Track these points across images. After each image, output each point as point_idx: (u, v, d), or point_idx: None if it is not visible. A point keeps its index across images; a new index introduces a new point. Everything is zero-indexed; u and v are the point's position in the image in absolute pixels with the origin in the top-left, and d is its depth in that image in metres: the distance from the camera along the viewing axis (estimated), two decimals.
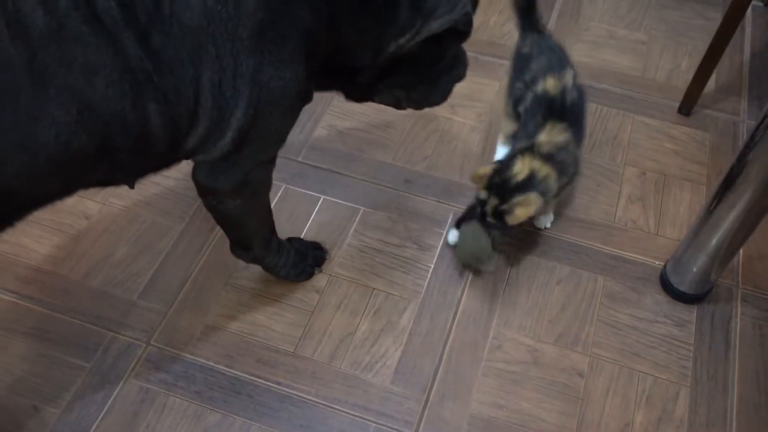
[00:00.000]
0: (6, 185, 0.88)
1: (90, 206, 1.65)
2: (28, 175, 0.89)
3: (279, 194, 1.67)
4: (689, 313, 1.51)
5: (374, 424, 1.33)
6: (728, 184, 1.29)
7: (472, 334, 1.45)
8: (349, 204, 1.66)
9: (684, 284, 1.50)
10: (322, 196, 1.68)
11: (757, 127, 1.18)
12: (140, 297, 1.49)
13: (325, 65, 1.12)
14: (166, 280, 1.52)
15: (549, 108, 1.46)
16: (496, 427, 1.33)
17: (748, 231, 1.36)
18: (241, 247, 1.39)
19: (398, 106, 1.35)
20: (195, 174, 1.16)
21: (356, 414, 1.34)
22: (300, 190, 1.69)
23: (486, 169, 1.41)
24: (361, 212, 1.64)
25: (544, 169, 1.38)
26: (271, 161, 1.22)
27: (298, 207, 1.65)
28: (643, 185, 1.73)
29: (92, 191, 1.62)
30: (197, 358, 1.41)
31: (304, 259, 1.52)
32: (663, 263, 1.56)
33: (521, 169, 1.38)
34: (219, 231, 1.58)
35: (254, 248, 1.39)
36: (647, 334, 1.47)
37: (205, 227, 1.61)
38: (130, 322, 1.45)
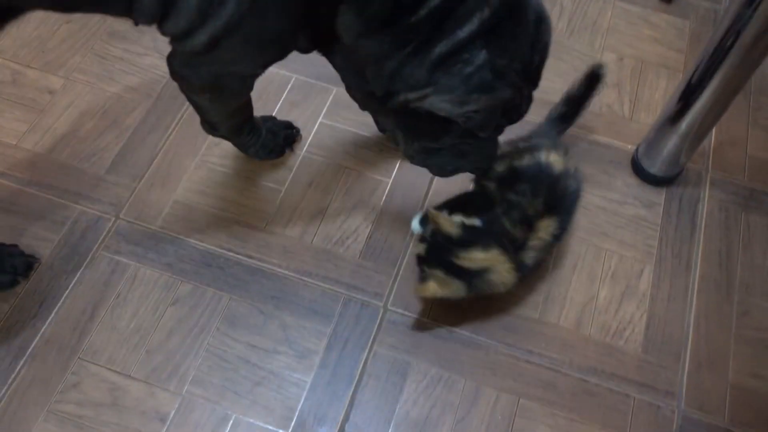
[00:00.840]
0: None
1: (53, 81, 1.59)
2: None
3: None
4: (658, 196, 1.52)
5: (345, 295, 1.35)
6: (705, 64, 1.28)
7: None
8: (322, 83, 1.62)
9: (654, 167, 1.51)
10: (294, 75, 1.64)
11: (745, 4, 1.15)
12: (108, 172, 1.47)
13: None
14: (134, 155, 1.49)
15: (550, 190, 1.26)
16: None
17: (720, 111, 1.36)
18: (209, 126, 1.36)
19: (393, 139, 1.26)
20: (169, 57, 1.13)
21: (327, 286, 1.36)
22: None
23: None
24: (334, 92, 1.61)
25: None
26: (248, 78, 1.18)
27: (269, 86, 1.61)
28: (620, 71, 1.72)
29: (56, 66, 1.57)
30: (167, 232, 1.40)
31: (275, 138, 1.49)
32: (635, 147, 1.56)
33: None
34: (188, 109, 1.55)
35: (220, 131, 1.37)
36: (616, 215, 1.49)
37: (174, 105, 1.57)
38: (98, 196, 1.43)
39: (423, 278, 1.25)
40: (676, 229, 1.48)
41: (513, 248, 1.22)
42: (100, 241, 1.38)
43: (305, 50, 1.15)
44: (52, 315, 1.30)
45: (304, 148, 1.53)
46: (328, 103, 1.60)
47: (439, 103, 1.01)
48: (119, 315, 1.30)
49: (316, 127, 1.57)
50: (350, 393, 1.25)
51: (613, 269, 1.42)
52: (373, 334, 1.31)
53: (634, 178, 1.54)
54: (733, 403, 1.28)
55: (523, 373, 1.29)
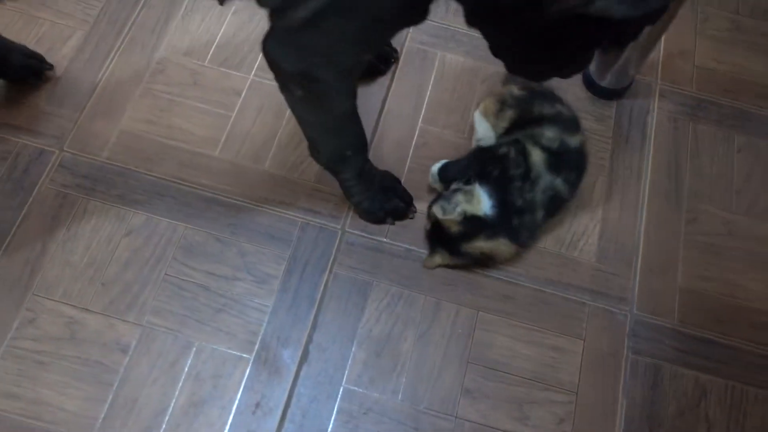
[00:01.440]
0: None
1: None
2: None
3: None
4: (609, 109, 1.54)
5: (302, 219, 1.34)
6: None
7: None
8: None
9: (605, 80, 1.51)
10: None
11: None
12: (48, 103, 1.41)
13: None
14: (74, 85, 1.43)
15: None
16: None
17: (667, 19, 1.36)
18: (312, 146, 1.24)
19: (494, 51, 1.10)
20: (264, 40, 1.01)
21: (284, 211, 1.35)
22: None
23: None
24: None
25: None
26: (348, 70, 1.05)
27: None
28: None
29: None
30: (115, 163, 1.36)
31: (384, 201, 1.33)
32: None
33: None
34: (128, 34, 1.49)
35: (325, 156, 1.24)
36: None
37: (112, 31, 1.50)
38: (40, 128, 1.38)
39: (430, 252, 1.31)
40: (627, 141, 1.50)
41: (518, 219, 1.27)
42: (45, 174, 1.33)
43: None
44: (1, 252, 1.26)
45: (253, 72, 1.49)
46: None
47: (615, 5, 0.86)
48: (71, 249, 1.27)
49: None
50: (312, 315, 1.26)
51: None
52: (332, 256, 1.31)
53: (585, 92, 1.55)
54: (683, 305, 1.33)
55: (482, 287, 1.31)
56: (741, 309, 1.35)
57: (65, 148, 1.36)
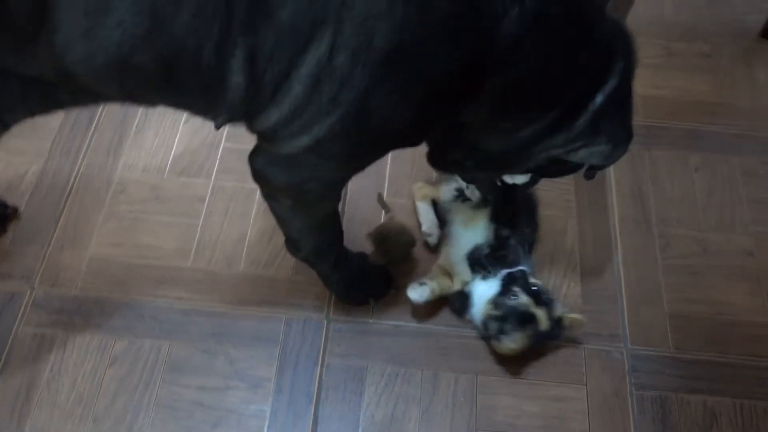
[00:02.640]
0: (69, 70, 0.82)
1: None
2: (87, 69, 0.82)
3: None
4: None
5: (285, 315, 1.33)
6: None
7: None
8: None
9: None
10: None
11: None
12: (13, 243, 1.39)
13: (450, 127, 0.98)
14: (37, 221, 1.42)
15: None
16: None
17: None
18: (291, 244, 1.25)
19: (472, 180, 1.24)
20: (251, 156, 1.02)
21: (266, 310, 1.33)
22: None
23: None
24: None
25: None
26: (339, 182, 1.08)
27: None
28: None
29: None
30: (89, 292, 1.34)
31: (362, 282, 1.34)
32: None
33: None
34: (83, 161, 1.50)
35: (304, 251, 1.25)
36: None
37: (67, 161, 1.50)
38: (7, 271, 1.36)
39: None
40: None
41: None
42: (19, 318, 1.31)
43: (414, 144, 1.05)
44: None
45: (213, 176, 1.50)
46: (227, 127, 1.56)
47: (588, 156, 1.00)
48: (57, 389, 1.24)
49: (220, 152, 1.53)
50: (312, 411, 1.24)
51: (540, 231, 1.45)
52: (322, 347, 1.30)
53: None
54: (675, 331, 1.34)
55: (476, 351, 1.30)
56: (731, 325, 1.36)
57: (36, 286, 1.34)
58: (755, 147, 1.60)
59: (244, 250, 1.40)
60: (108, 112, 1.58)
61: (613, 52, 0.94)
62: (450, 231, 1.37)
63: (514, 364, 1.29)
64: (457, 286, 1.31)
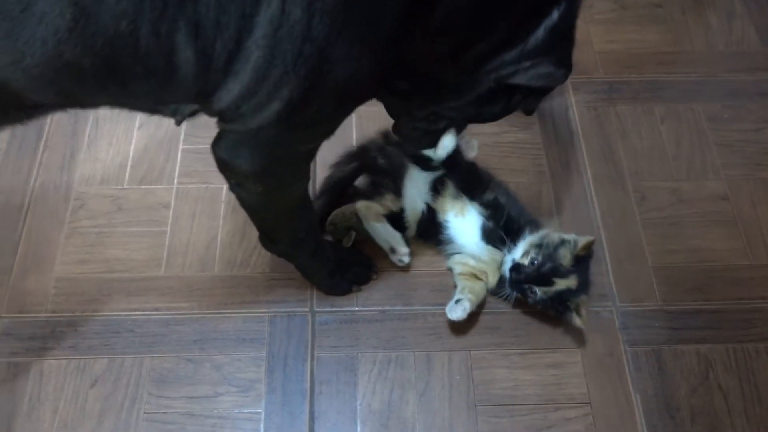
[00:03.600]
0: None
1: None
2: (18, 75, 0.76)
3: None
4: (531, 116, 1.55)
5: (268, 313, 1.29)
6: None
7: None
8: None
9: None
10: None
11: None
12: None
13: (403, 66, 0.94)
14: None
15: None
16: None
17: None
18: (266, 237, 1.21)
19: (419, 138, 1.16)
20: (215, 144, 0.96)
21: (247, 310, 1.29)
22: None
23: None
24: None
25: None
26: (308, 155, 1.04)
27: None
28: None
29: None
30: (60, 314, 1.28)
31: (343, 271, 1.30)
32: None
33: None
34: (37, 180, 1.43)
35: (280, 244, 1.22)
36: (498, 146, 1.50)
37: (18, 181, 1.43)
38: None
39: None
40: (557, 141, 1.52)
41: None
42: None
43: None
44: None
45: (176, 180, 1.44)
46: (183, 128, 1.51)
47: (536, 78, 0.97)
48: (39, 417, 1.19)
49: (180, 154, 1.48)
50: (307, 407, 1.21)
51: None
52: (309, 341, 1.27)
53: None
54: (660, 283, 1.33)
55: (465, 327, 1.28)
56: (713, 271, 1.36)
57: (2, 315, 1.28)
58: (716, 92, 1.61)
59: (217, 251, 1.36)
60: (56, 127, 1.51)
61: None
62: (450, 233, 1.30)
63: (505, 335, 1.27)
64: (494, 278, 1.27)
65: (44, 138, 1.49)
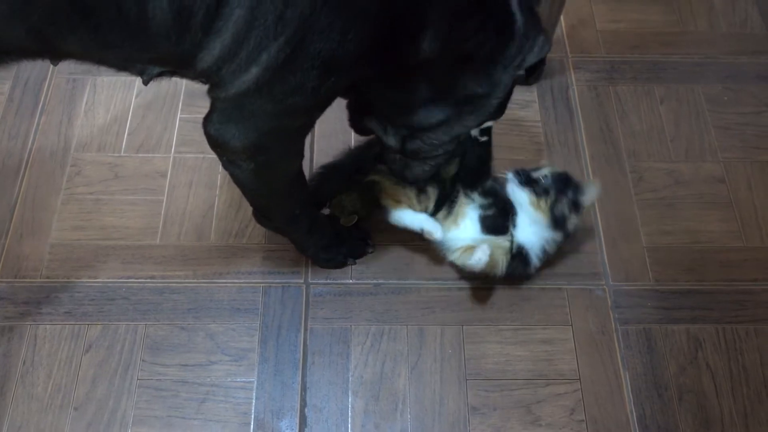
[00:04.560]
0: None
1: None
2: None
3: None
4: (530, 94, 1.55)
5: (263, 284, 1.30)
6: None
7: None
8: None
9: None
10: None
11: None
12: None
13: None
14: None
15: None
16: None
17: None
18: (261, 214, 1.21)
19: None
20: (205, 121, 0.96)
21: (242, 281, 1.30)
22: None
23: None
24: (184, 85, 1.52)
25: None
26: (298, 132, 1.02)
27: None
28: None
29: None
30: (55, 280, 1.29)
31: (339, 244, 1.30)
32: None
33: None
34: (34, 145, 1.43)
35: (275, 220, 1.22)
36: (497, 124, 1.48)
37: (15, 146, 1.43)
38: None
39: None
40: (556, 119, 1.51)
41: None
42: None
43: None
44: None
45: (173, 149, 1.44)
46: (182, 97, 1.51)
47: (537, 54, 0.99)
48: (32, 381, 1.20)
49: (177, 124, 1.48)
50: (299, 377, 1.22)
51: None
52: (303, 312, 1.27)
53: None
54: (653, 263, 1.34)
55: (458, 302, 1.29)
56: (707, 252, 1.36)
57: None
58: (717, 74, 1.60)
59: (213, 221, 1.36)
60: (54, 92, 1.50)
61: None
62: (448, 243, 1.27)
63: (497, 311, 1.28)
64: (504, 259, 1.24)
65: (41, 103, 1.49)
